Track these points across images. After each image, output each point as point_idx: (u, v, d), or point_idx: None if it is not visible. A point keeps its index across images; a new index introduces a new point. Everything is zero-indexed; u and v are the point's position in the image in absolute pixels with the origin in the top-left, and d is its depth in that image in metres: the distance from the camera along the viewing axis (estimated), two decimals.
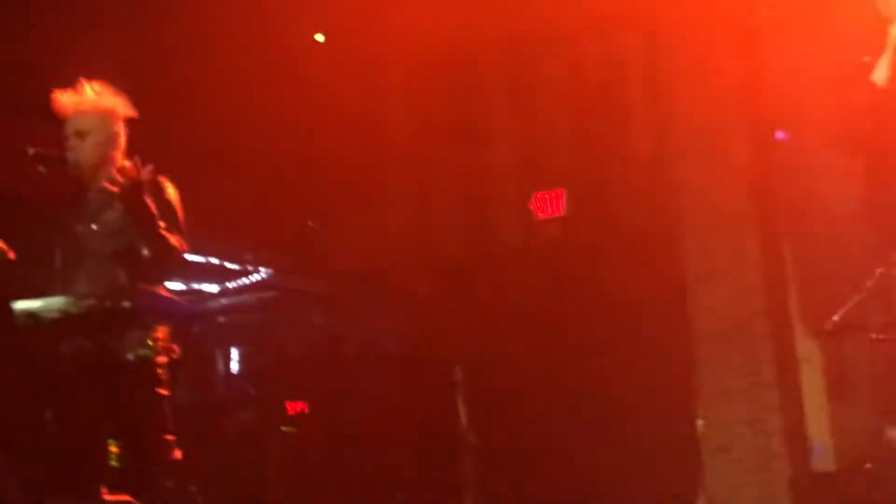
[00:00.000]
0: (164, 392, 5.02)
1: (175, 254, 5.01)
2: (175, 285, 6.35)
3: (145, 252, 5.00)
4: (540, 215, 8.33)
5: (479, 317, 8.47)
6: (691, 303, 7.80)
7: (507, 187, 8.58)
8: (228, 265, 8.02)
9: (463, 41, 8.53)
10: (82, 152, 5.16)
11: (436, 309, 8.59)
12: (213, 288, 8.11)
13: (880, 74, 5.03)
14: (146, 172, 4.90)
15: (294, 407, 7.82)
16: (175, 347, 5.14)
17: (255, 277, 8.10)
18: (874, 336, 6.92)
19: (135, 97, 5.20)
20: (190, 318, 6.51)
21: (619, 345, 7.87)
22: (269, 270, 8.14)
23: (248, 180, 8.16)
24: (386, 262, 8.65)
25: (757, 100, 8.11)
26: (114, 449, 5.09)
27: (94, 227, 5.12)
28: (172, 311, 5.11)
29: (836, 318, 7.72)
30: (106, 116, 5.19)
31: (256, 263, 8.12)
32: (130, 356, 4.99)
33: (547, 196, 8.30)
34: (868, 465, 6.83)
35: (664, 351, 7.76)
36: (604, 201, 8.26)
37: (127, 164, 4.99)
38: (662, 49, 8.11)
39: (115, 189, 5.00)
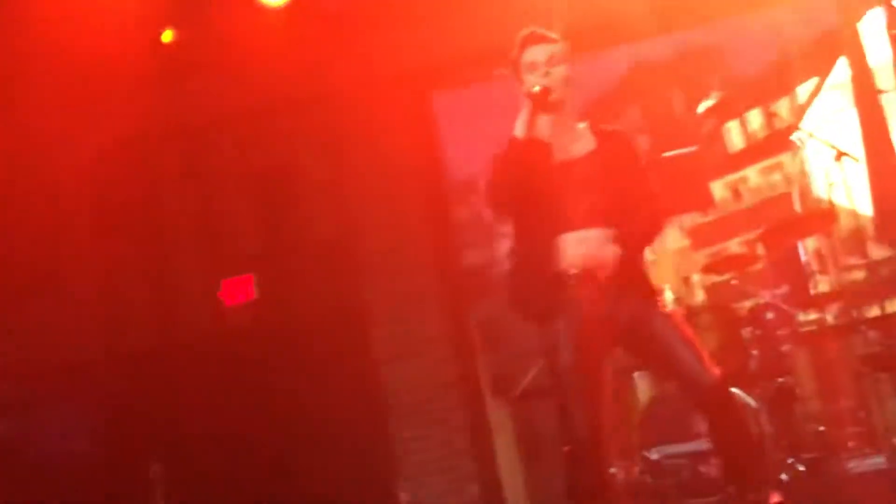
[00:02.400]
0: None
1: None
2: None
3: None
4: (229, 302, 8.27)
5: (173, 408, 8.30)
6: (384, 380, 7.91)
7: (193, 275, 8.47)
8: None
9: (137, 127, 8.41)
10: None
11: (127, 403, 8.37)
12: None
13: (519, 129, 5.23)
14: None
15: None
16: None
17: None
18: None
19: None
20: None
21: (314, 426, 7.86)
22: None
23: None
24: (72, 358, 8.38)
25: (436, 177, 8.36)
26: None
27: None
28: None
29: (523, 384, 8.01)
30: None
31: None
32: None
33: (235, 282, 8.25)
34: None
35: (360, 429, 7.81)
36: (292, 285, 8.28)
37: None
38: (342, 129, 8.23)
39: None
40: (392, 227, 8.10)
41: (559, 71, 5.31)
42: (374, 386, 7.93)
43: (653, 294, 5.51)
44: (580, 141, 5.39)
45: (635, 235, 5.37)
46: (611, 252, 5.26)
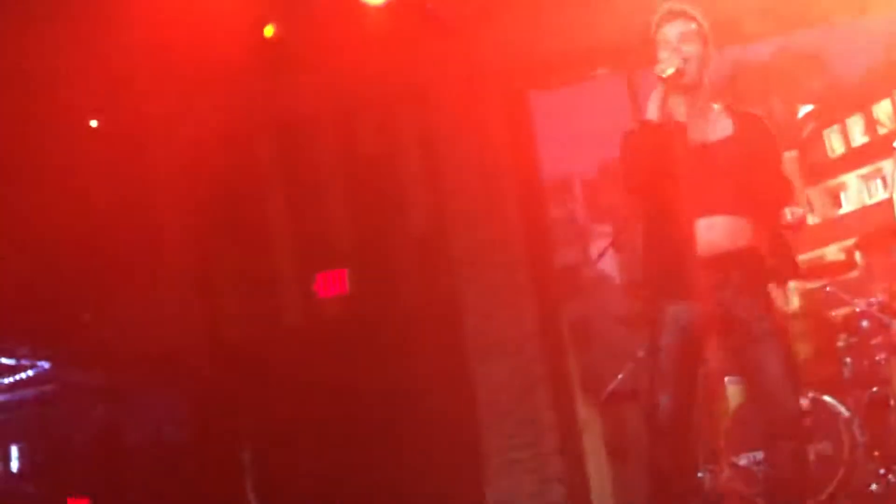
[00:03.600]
0: None
1: None
2: None
3: None
4: (322, 294, 8.36)
5: (265, 398, 8.42)
6: (473, 376, 7.93)
7: (288, 267, 8.58)
8: (2, 360, 7.77)
9: (235, 122, 8.52)
10: None
11: (220, 392, 8.50)
12: None
13: (651, 111, 5.14)
14: None
15: None
16: None
17: (30, 372, 7.86)
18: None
19: None
20: None
21: (403, 421, 7.92)
22: (46, 364, 7.92)
23: (18, 270, 7.95)
24: (167, 347, 8.52)
25: (532, 176, 8.36)
26: None
27: None
28: None
29: (611, 386, 7.99)
30: None
31: (32, 357, 7.89)
32: None
33: (329, 275, 8.34)
34: None
35: (449, 425, 7.85)
36: (385, 279, 8.34)
37: None
38: (439, 125, 8.27)
39: None
40: (486, 224, 8.11)
41: (693, 49, 5.19)
42: (465, 382, 7.95)
43: (769, 296, 5.41)
44: (717, 123, 5.27)
45: (768, 225, 5.27)
46: (741, 242, 5.18)
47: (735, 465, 6.84)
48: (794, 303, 7.46)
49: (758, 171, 5.21)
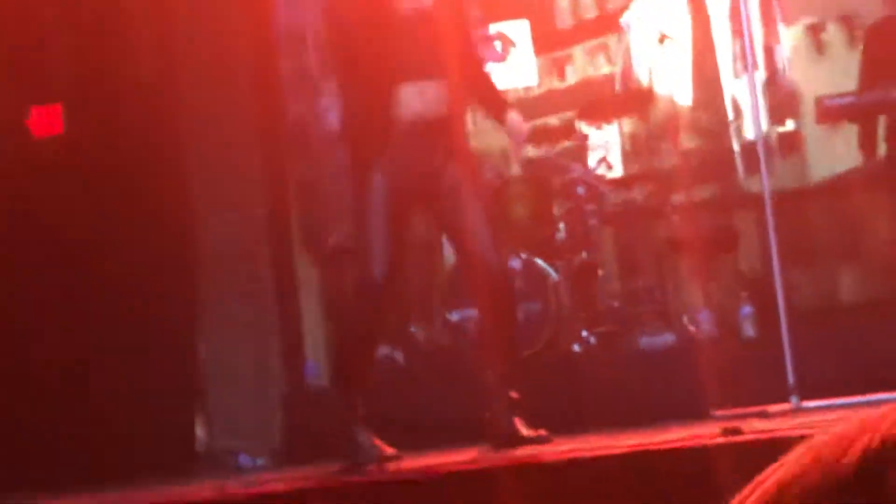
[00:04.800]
0: None
1: None
2: None
3: None
4: (38, 134, 8.00)
5: None
6: (195, 229, 7.79)
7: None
8: None
9: None
10: None
11: None
12: None
13: None
14: None
15: None
16: None
17: None
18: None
19: None
20: None
21: (118, 272, 7.69)
22: None
23: None
24: None
25: (264, 25, 8.19)
26: None
27: None
28: None
29: (332, 242, 8.01)
30: None
31: None
32: None
33: (43, 110, 7.95)
34: None
35: (166, 277, 7.68)
36: (105, 122, 8.03)
37: None
38: None
39: None
40: (215, 74, 7.91)
41: None
42: (186, 235, 7.81)
43: (473, 161, 5.61)
44: None
45: (474, 92, 5.46)
46: (447, 106, 5.30)
47: (447, 321, 6.99)
48: (515, 168, 7.63)
49: (456, 39, 5.39)
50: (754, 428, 4.18)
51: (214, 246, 7.83)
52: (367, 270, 5.35)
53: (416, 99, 5.28)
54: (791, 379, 5.15)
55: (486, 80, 5.82)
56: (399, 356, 7.19)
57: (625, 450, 4.15)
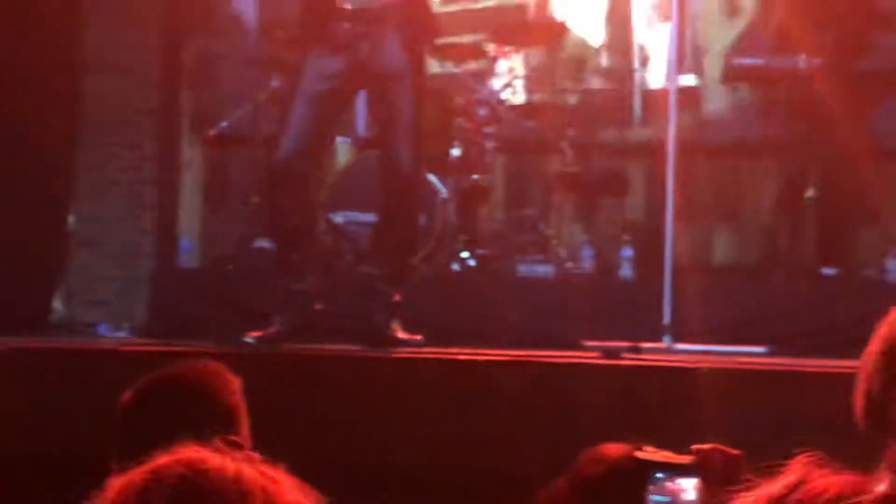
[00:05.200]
0: None
1: None
2: None
3: None
4: None
5: None
6: (84, 90, 7.58)
7: None
8: None
9: None
10: None
11: None
12: None
13: None
14: None
15: None
16: None
17: None
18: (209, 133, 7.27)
19: None
20: None
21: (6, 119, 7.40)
22: None
23: None
24: None
25: None
26: None
27: None
28: None
29: (220, 126, 7.89)
30: None
31: None
32: None
33: None
34: (230, 267, 7.16)
35: (47, 137, 7.45)
36: None
37: None
38: None
39: None
40: None
41: None
42: (72, 94, 7.58)
43: (414, 56, 5.56)
44: None
45: None
46: None
47: (330, 221, 6.95)
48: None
49: None
50: (632, 357, 4.26)
51: (100, 108, 7.62)
52: (276, 151, 5.37)
53: None
54: (667, 319, 5.25)
55: None
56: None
57: (506, 357, 4.19)
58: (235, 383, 2.38)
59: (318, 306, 5.59)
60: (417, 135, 5.49)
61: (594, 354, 4.12)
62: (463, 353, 4.55)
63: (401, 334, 5.29)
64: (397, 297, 5.40)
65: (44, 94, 7.49)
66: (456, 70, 7.44)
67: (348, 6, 5.24)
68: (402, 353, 4.91)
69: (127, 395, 2.43)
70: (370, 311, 5.41)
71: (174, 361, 2.56)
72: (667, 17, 6.66)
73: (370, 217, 6.57)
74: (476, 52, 7.46)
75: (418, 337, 5.28)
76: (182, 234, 7.67)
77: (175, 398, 2.32)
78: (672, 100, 5.50)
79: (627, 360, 4.05)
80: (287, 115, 5.38)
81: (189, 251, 7.54)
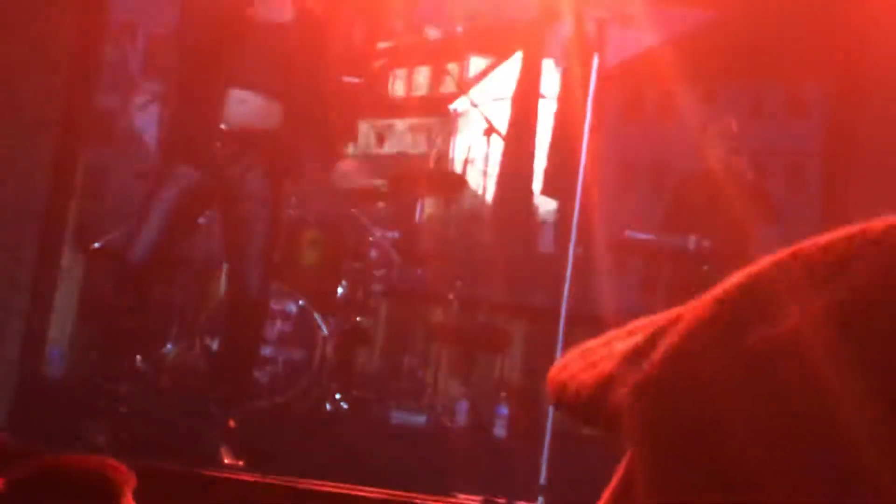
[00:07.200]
0: None
1: None
2: None
3: None
4: None
5: None
6: None
7: None
8: None
9: None
10: None
11: None
12: None
13: None
14: None
15: None
16: None
17: None
18: (93, 246, 7.20)
19: None
20: None
21: None
22: None
23: None
24: None
25: (93, 12, 7.95)
26: None
27: None
28: None
29: (99, 243, 7.76)
30: None
31: None
32: None
33: None
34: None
35: None
36: None
37: None
38: None
39: None
40: (30, 35, 7.59)
41: None
42: None
43: (279, 187, 5.60)
44: (282, 8, 5.38)
45: (301, 119, 5.47)
46: (269, 123, 5.32)
47: (206, 347, 6.82)
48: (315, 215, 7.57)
49: (305, 62, 5.43)
50: None
51: None
52: (127, 252, 5.36)
53: (239, 107, 5.30)
54: (543, 479, 5.20)
55: (323, 115, 5.79)
56: (148, 369, 6.95)
57: (384, 496, 4.08)
58: (125, 483, 2.25)
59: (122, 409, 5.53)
60: (268, 263, 5.53)
61: (475, 499, 4.03)
62: (338, 487, 4.43)
63: (227, 459, 5.27)
64: (231, 423, 5.38)
65: None
66: (352, 210, 7.45)
67: (223, 126, 5.29)
68: (230, 474, 4.83)
69: (0, 482, 2.30)
70: (200, 431, 5.37)
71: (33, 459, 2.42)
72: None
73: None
74: (376, 195, 7.50)
75: (240, 463, 5.26)
76: (53, 343, 7.45)
77: (58, 489, 2.19)
78: (568, 267, 5.55)
79: None
80: (142, 219, 5.42)
81: (59, 361, 7.31)
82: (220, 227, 5.67)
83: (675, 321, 0.72)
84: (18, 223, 7.49)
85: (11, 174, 7.46)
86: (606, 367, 0.73)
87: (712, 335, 0.69)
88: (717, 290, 0.72)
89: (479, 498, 4.80)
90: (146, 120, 7.98)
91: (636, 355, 0.72)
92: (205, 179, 5.35)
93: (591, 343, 0.77)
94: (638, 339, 0.74)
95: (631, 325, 0.77)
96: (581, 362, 0.76)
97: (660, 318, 0.75)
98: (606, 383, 0.72)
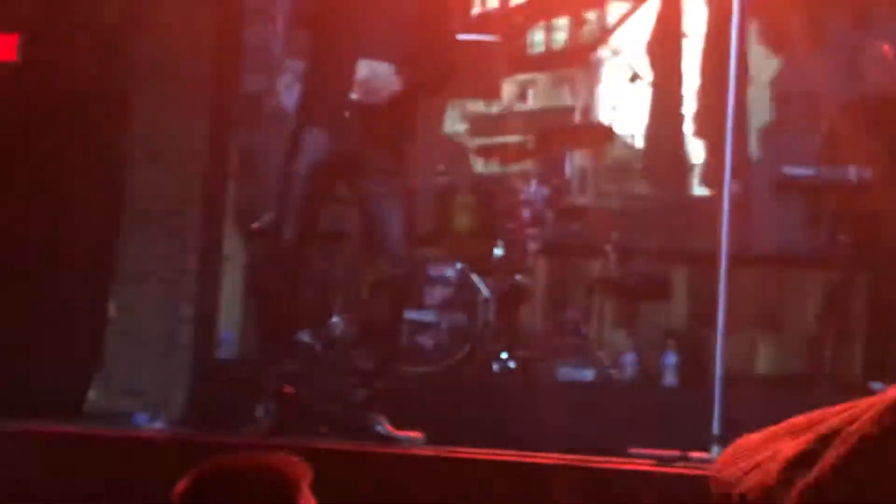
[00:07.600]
0: None
1: None
2: None
3: None
4: None
5: None
6: (130, 178, 7.61)
7: None
8: None
9: None
10: None
11: None
12: None
13: None
14: None
15: None
16: None
17: None
18: (252, 226, 7.30)
19: None
20: None
21: (44, 208, 7.44)
22: None
23: None
24: None
25: None
26: None
27: None
28: None
29: (259, 223, 7.89)
30: None
31: None
32: None
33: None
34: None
35: (92, 224, 7.46)
36: (59, 59, 7.80)
37: None
38: None
39: None
40: (176, 29, 7.75)
41: None
42: (117, 184, 7.60)
43: (400, 156, 5.57)
44: None
45: (423, 77, 5.45)
46: (391, 87, 5.30)
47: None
48: (466, 178, 7.58)
49: (427, 27, 5.38)
50: (687, 464, 4.16)
51: (144, 198, 7.64)
52: (278, 233, 5.41)
53: (366, 75, 5.29)
54: (716, 429, 5.14)
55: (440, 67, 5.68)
56: (317, 344, 7.07)
57: (556, 461, 4.09)
58: (302, 478, 2.29)
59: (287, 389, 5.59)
60: (405, 233, 5.49)
61: (646, 462, 4.01)
62: (509, 455, 4.45)
63: (384, 430, 5.31)
64: (378, 390, 5.43)
65: (89, 184, 7.53)
66: (501, 170, 7.44)
67: (353, 96, 5.29)
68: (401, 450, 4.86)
69: (183, 484, 2.36)
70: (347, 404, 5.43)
71: (215, 453, 2.48)
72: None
73: (413, 315, 6.57)
74: (523, 153, 7.47)
75: (416, 435, 5.28)
76: (223, 326, 7.63)
77: (237, 490, 2.24)
78: (725, 207, 5.44)
79: (680, 469, 3.95)
80: (284, 197, 5.46)
81: (230, 343, 7.49)
82: (359, 198, 5.65)
83: (849, 422, 0.70)
84: (180, 210, 7.69)
85: (169, 162, 7.65)
86: (772, 470, 0.72)
87: (883, 447, 0.67)
88: (892, 396, 0.70)
89: (652, 456, 4.77)
90: (293, 99, 8.05)
91: (802, 460, 0.71)
92: (335, 149, 5.38)
93: (753, 439, 0.76)
94: (801, 443, 0.72)
95: (790, 423, 0.76)
96: (744, 462, 0.75)
97: (824, 418, 0.73)
98: (773, 489, 0.71)
